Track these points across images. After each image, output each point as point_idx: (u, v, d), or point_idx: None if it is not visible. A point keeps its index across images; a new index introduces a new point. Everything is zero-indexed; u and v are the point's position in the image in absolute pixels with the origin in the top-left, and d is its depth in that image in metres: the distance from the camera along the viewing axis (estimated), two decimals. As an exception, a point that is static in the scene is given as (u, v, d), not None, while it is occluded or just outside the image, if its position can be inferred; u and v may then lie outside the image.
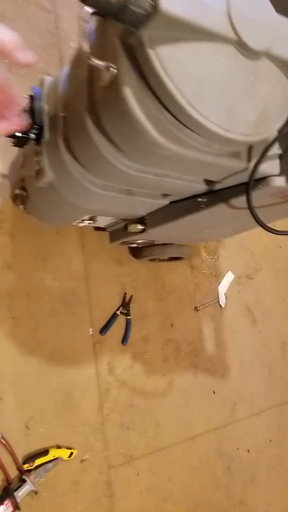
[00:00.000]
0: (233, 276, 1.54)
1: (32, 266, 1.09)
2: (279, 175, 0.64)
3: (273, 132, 0.56)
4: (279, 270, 1.71)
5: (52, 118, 0.73)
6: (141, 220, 0.94)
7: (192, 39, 0.48)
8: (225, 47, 0.49)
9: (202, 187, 0.72)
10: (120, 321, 1.22)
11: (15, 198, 1.07)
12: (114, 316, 1.20)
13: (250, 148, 0.61)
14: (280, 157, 0.65)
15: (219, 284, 1.49)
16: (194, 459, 1.30)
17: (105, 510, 1.10)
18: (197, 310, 1.41)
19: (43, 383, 1.06)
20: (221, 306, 1.47)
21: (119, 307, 1.22)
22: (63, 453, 1.04)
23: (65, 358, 1.11)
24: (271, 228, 0.63)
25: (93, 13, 0.47)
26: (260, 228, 0.65)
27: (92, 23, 0.54)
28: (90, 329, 1.17)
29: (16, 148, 0.79)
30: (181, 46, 0.48)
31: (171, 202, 0.84)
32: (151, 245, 1.17)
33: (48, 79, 0.78)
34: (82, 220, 0.99)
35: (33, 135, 0.73)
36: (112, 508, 1.11)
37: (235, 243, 1.59)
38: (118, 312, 1.21)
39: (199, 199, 0.76)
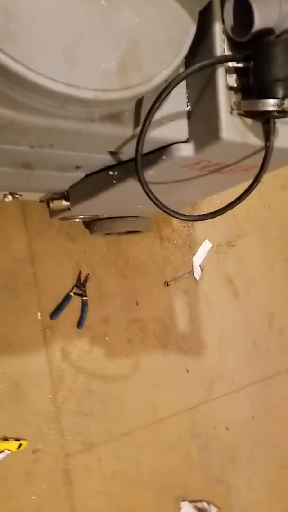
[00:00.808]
0: (210, 245, 1.38)
1: None
2: (187, 140, 0.48)
3: (158, 81, 0.40)
4: (267, 234, 1.54)
5: None
6: (65, 195, 0.79)
7: None
8: None
9: (106, 158, 0.57)
10: (75, 303, 1.11)
11: None
12: (66, 298, 1.09)
13: (137, 107, 0.45)
14: (189, 115, 0.48)
15: (194, 255, 1.34)
16: (164, 442, 1.23)
17: (62, 498, 1.06)
18: (167, 285, 1.28)
19: (-15, 375, 0.99)
20: (195, 279, 1.34)
21: (73, 288, 1.11)
22: (11, 446, 0.98)
23: (10, 347, 1.02)
24: (175, 212, 0.48)
25: None
26: (244, 186, 0.49)
27: None
28: (39, 314, 1.07)
29: None
30: None
31: (87, 175, 0.69)
32: (99, 219, 1.03)
33: None
34: (4, 196, 0.85)
35: None
36: (71, 496, 1.07)
37: (214, 206, 1.40)
38: (71, 294, 1.10)
39: (110, 172, 0.61)
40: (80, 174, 0.68)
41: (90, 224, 1.08)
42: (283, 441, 1.46)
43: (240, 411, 1.40)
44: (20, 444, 0.99)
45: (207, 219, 0.50)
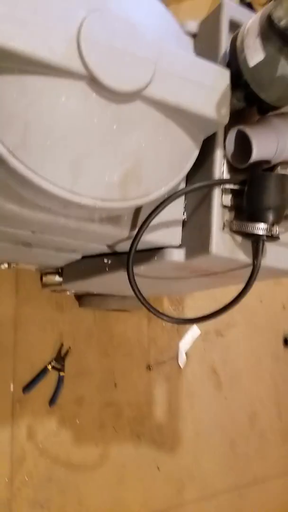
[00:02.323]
0: (199, 332, 1.37)
1: None
2: (180, 246, 0.50)
3: (156, 196, 0.43)
4: (256, 326, 1.53)
5: None
6: (59, 272, 0.80)
7: (20, 71, 0.35)
8: (71, 84, 0.36)
9: (102, 248, 0.59)
10: (51, 377, 1.07)
11: None
12: (43, 372, 1.05)
13: (136, 213, 0.47)
14: (184, 223, 0.51)
15: (180, 340, 1.32)
16: None
17: None
18: (150, 369, 1.24)
19: None
20: (179, 366, 1.30)
21: (51, 361, 1.07)
22: None
23: (-27, 417, 0.96)
24: (160, 313, 0.48)
25: None
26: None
27: None
28: (11, 385, 1.02)
29: None
30: (4, 80, 0.35)
31: (83, 257, 0.70)
32: (89, 294, 1.03)
33: None
34: (0, 263, 0.86)
35: None
36: None
37: (206, 293, 1.42)
38: (49, 367, 1.06)
39: (105, 260, 0.63)
40: (76, 256, 0.69)
41: (80, 297, 1.08)
42: None
43: (211, 521, 1.27)
44: None
45: (192, 323, 0.50)
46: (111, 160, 0.38)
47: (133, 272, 0.46)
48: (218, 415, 1.36)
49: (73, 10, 0.36)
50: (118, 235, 0.47)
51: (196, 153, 0.45)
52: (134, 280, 0.46)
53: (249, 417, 1.43)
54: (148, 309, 0.47)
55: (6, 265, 0.82)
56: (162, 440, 1.22)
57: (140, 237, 0.44)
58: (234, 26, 0.48)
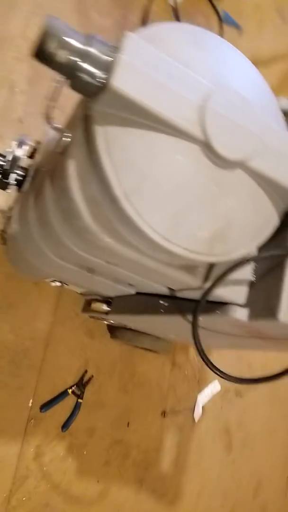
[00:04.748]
0: (219, 388, 1.34)
1: (-9, 312, 1.01)
2: (244, 305, 0.52)
3: (235, 256, 0.45)
4: (278, 395, 1.49)
5: (37, 170, 0.68)
6: (108, 301, 0.83)
7: (150, 127, 0.40)
8: (188, 146, 0.40)
9: (163, 289, 0.61)
10: (69, 401, 1.07)
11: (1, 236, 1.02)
12: (63, 394, 1.06)
13: (211, 266, 0.50)
14: (252, 284, 0.53)
15: (200, 393, 1.30)
16: None
17: None
18: (165, 415, 1.22)
19: None
20: (194, 418, 1.27)
21: (73, 385, 1.08)
22: None
23: (-11, 424, 0.97)
24: (218, 369, 0.49)
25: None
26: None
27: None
28: (31, 400, 1.03)
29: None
30: (135, 132, 0.40)
31: (138, 293, 0.73)
32: (124, 328, 1.04)
33: (52, 133, 0.74)
34: (53, 280, 0.90)
35: (13, 181, 0.68)
36: None
37: (232, 351, 1.41)
38: (69, 391, 1.07)
39: (161, 301, 0.65)
40: (131, 291, 0.72)
41: (114, 329, 1.09)
42: None
43: None
44: None
45: (247, 383, 0.50)
46: (207, 218, 0.41)
47: (197, 323, 0.47)
48: (224, 478, 1.30)
49: (199, 81, 0.40)
50: (189, 283, 0.49)
51: (276, 221, 0.47)
52: (197, 330, 0.48)
53: (254, 486, 1.36)
54: (206, 362, 0.48)
55: (59, 284, 0.85)
56: (163, 491, 1.18)
57: (211, 291, 0.46)
58: None
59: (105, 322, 1.05)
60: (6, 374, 1.00)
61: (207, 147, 0.40)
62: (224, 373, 0.48)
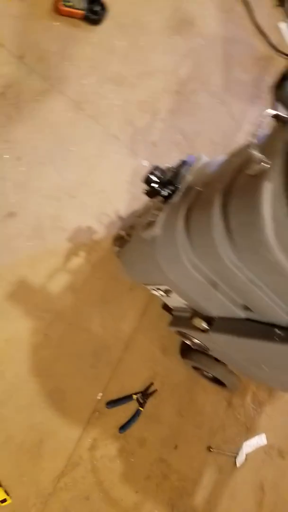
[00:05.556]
0: (265, 442, 1.33)
1: (91, 302, 1.10)
2: None
3: None
4: None
5: (189, 187, 0.78)
6: (209, 319, 0.89)
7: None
8: None
9: (286, 319, 0.67)
10: (132, 406, 1.12)
11: (116, 239, 1.13)
12: (128, 397, 1.11)
13: None
14: None
15: (246, 441, 1.30)
16: None
17: None
18: (210, 451, 1.23)
19: (28, 413, 1.00)
20: (236, 464, 1.27)
21: (138, 393, 1.13)
22: (-2, 494, 0.93)
23: (61, 403, 1.04)
24: None
25: (274, 116, 0.50)
26: None
27: (265, 127, 0.58)
28: (100, 394, 1.09)
29: (146, 197, 0.84)
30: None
31: (247, 319, 0.79)
32: (203, 352, 1.09)
33: (205, 158, 0.85)
34: (158, 288, 0.98)
35: (166, 192, 0.79)
36: None
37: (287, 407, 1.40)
38: (134, 397, 1.12)
39: (277, 330, 0.70)
40: (242, 314, 0.78)
41: (188, 351, 1.15)
42: None
43: None
44: (5, 499, 0.93)
45: None
46: None
47: None
48: (248, 536, 1.27)
49: None
50: None
51: None
52: None
53: None
54: None
55: (160, 293, 0.93)
56: (191, 526, 1.17)
57: None
58: None
59: (187, 341, 1.10)
60: (86, 364, 1.08)
61: None
62: None
